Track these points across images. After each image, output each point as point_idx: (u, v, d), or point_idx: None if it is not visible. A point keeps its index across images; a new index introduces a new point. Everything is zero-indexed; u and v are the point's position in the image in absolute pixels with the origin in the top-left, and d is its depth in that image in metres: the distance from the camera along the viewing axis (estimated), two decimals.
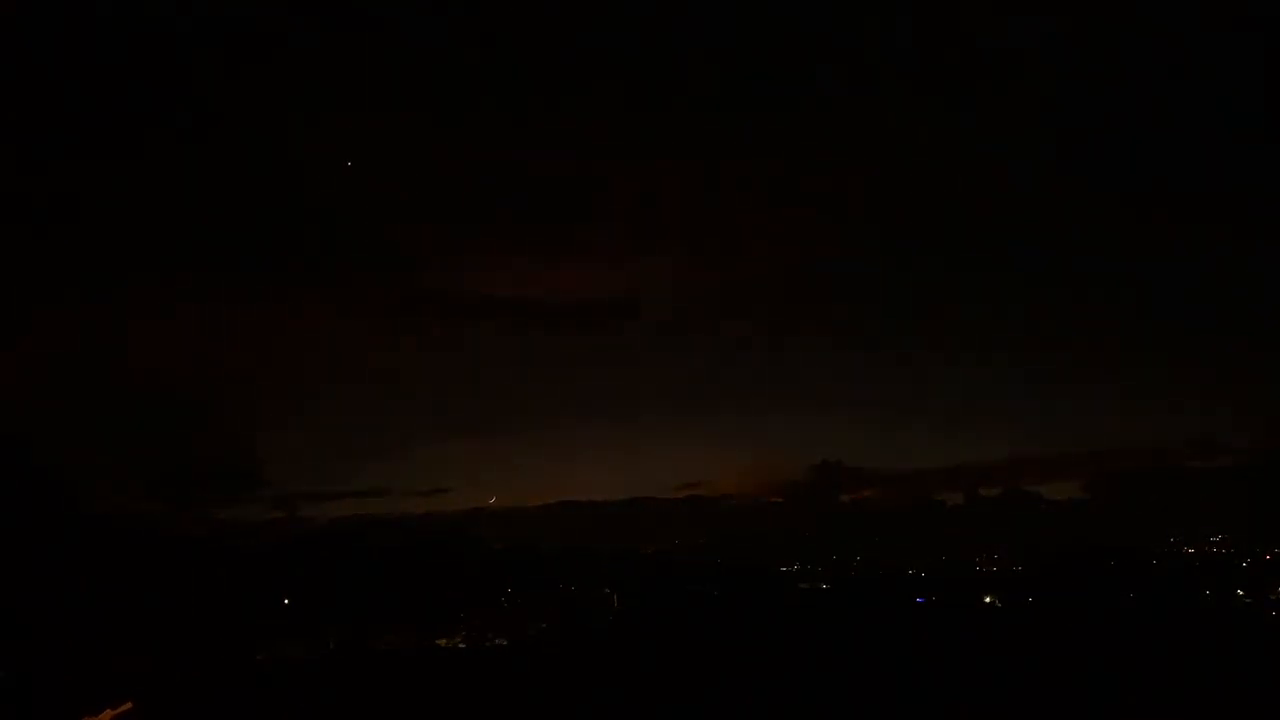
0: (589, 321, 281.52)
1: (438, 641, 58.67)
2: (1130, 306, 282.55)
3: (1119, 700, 33.75)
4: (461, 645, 58.72)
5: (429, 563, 71.68)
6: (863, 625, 60.72)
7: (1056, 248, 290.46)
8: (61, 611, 43.38)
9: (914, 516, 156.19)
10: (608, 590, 75.77)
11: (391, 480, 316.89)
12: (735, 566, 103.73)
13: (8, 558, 44.61)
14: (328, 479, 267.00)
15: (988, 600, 73.60)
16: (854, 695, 36.25)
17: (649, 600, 74.97)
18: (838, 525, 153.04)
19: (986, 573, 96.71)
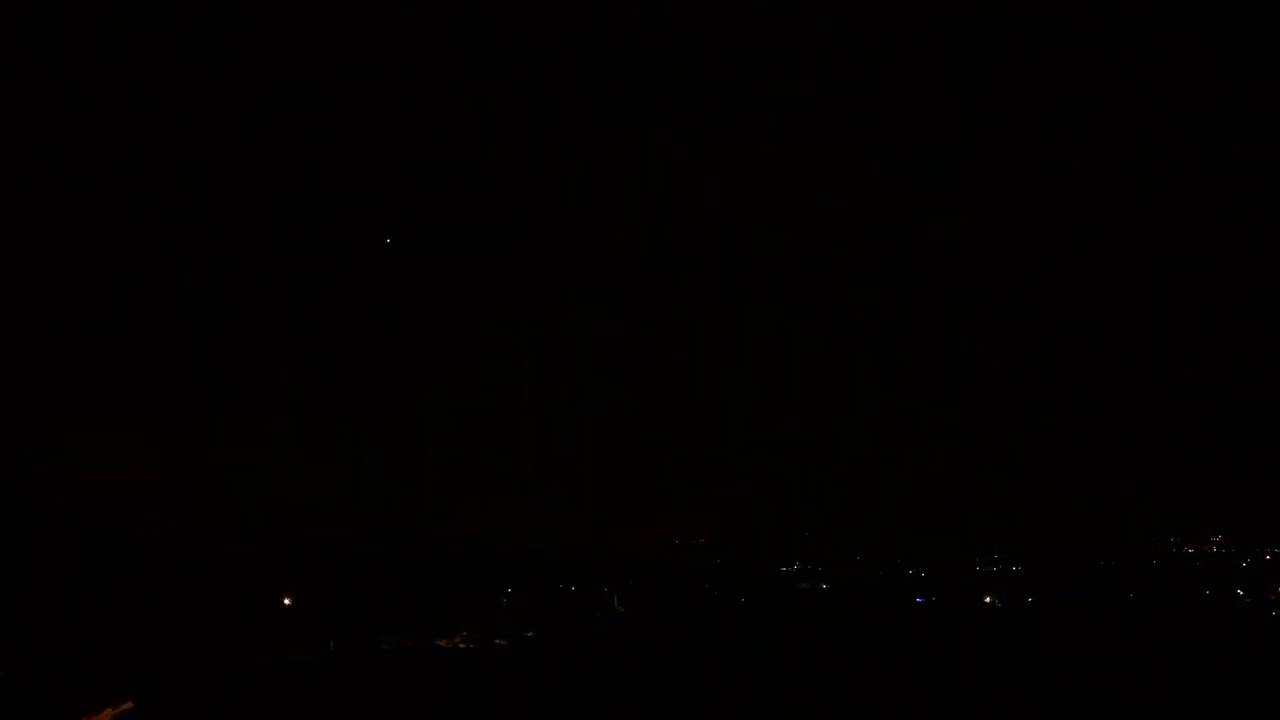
0: None
1: (438, 641, 58.67)
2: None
3: (1119, 700, 33.77)
4: (461, 645, 58.73)
5: (429, 563, 71.63)
6: (863, 625, 60.79)
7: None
8: (61, 611, 43.38)
9: (914, 516, 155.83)
10: (608, 590, 75.70)
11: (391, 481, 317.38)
12: (735, 566, 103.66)
13: (7, 556, 44.61)
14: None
15: (988, 600, 73.67)
16: (854, 695, 36.29)
17: (649, 600, 75.04)
18: (838, 525, 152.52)
19: (986, 573, 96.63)
